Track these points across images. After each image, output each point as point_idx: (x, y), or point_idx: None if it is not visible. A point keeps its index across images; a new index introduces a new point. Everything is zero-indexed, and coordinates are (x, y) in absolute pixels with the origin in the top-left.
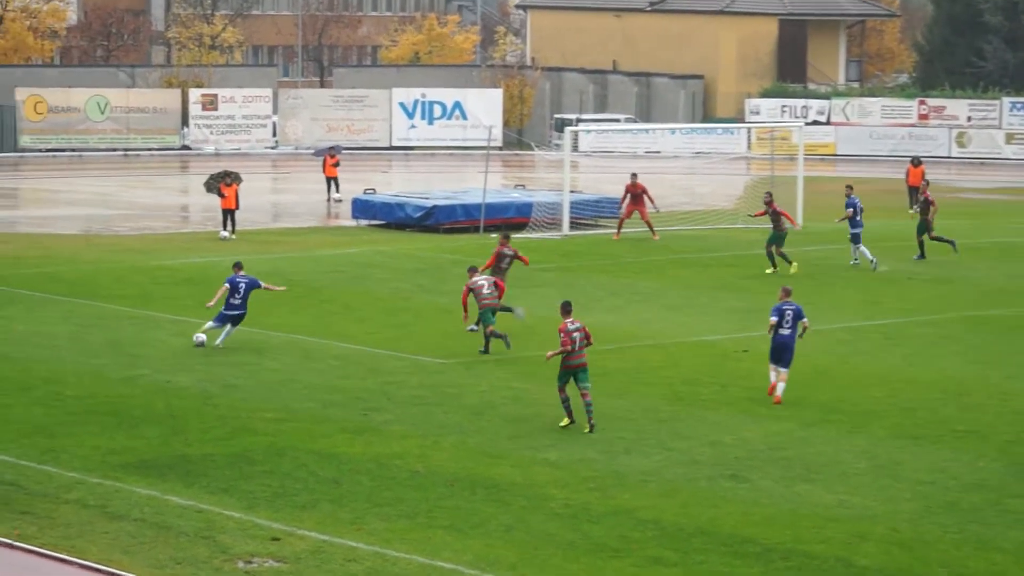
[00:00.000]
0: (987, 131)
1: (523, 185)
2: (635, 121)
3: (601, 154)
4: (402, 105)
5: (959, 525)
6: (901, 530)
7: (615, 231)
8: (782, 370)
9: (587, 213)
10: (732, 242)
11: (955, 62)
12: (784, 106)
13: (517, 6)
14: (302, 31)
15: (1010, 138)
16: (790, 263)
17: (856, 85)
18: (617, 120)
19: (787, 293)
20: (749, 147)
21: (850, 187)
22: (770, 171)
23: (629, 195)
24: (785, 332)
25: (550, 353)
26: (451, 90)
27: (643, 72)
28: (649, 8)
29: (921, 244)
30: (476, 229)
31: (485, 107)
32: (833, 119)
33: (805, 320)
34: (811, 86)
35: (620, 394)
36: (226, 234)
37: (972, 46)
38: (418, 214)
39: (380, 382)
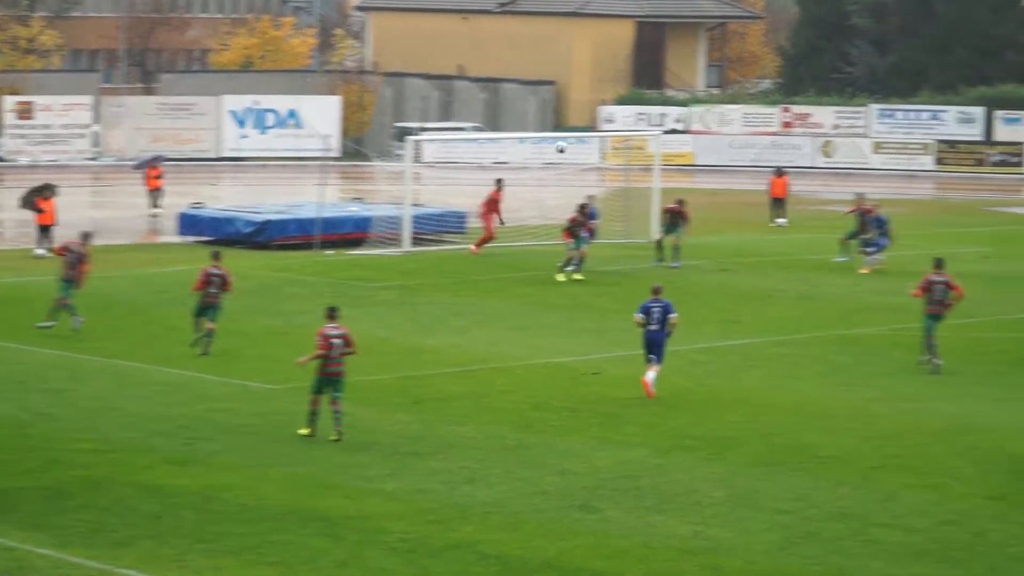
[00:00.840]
0: (853, 140)
1: (361, 198)
2: (482, 130)
3: (446, 165)
4: (233, 113)
5: (820, 556)
6: (759, 562)
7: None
8: (655, 364)
9: (430, 228)
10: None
11: (821, 67)
12: (640, 114)
13: (357, 8)
14: (126, 34)
15: (877, 147)
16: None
17: (717, 91)
18: (463, 129)
19: (656, 291)
20: (603, 157)
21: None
22: (625, 182)
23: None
24: (653, 328)
25: (303, 359)
26: (285, 97)
27: (491, 78)
28: (498, 10)
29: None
30: (311, 245)
31: (322, 115)
32: (692, 127)
33: (673, 316)
34: (669, 92)
35: (464, 420)
36: (41, 251)
37: (839, 50)
38: (249, 229)
39: (206, 409)
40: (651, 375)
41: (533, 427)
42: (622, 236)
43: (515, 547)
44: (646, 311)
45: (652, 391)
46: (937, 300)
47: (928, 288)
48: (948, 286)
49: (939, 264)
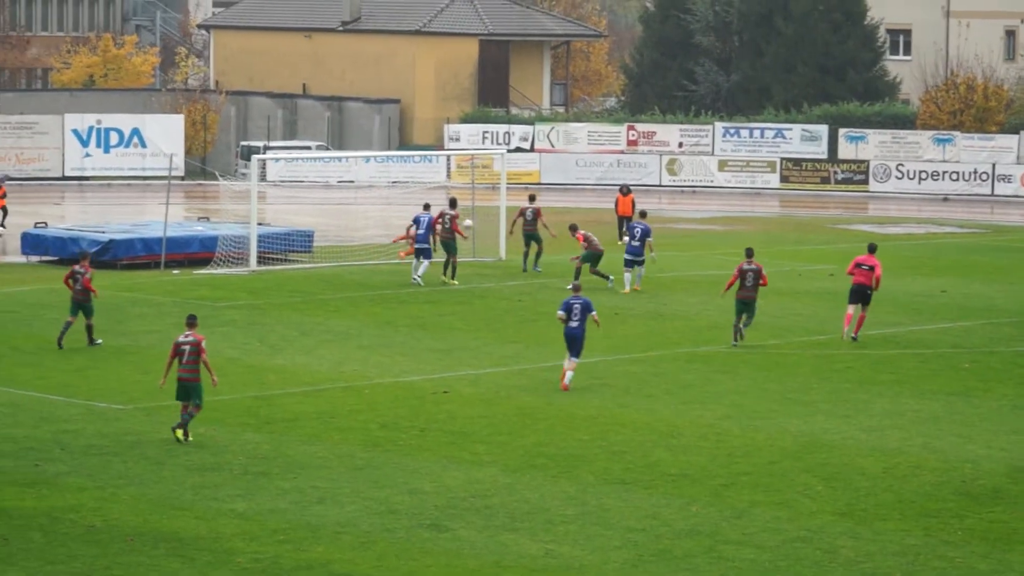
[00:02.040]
0: (699, 158)
1: (207, 217)
2: (327, 148)
3: (291, 184)
4: (75, 132)
5: (671, 574)
6: None
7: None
8: (573, 359)
9: (276, 247)
10: (431, 278)
11: (666, 85)
12: (486, 132)
13: (200, 26)
14: None
15: (723, 165)
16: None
17: (562, 110)
18: (308, 147)
19: (576, 288)
20: (449, 175)
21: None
22: (471, 201)
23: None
24: (573, 324)
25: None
26: (129, 116)
27: (336, 96)
28: (342, 28)
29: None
30: (157, 264)
31: (165, 134)
32: (537, 145)
33: (594, 313)
34: (514, 111)
35: (313, 440)
36: None
37: (683, 68)
38: (94, 249)
39: (54, 430)
40: (570, 374)
41: (382, 446)
42: (468, 254)
43: (367, 567)
44: (567, 308)
45: (567, 384)
46: (749, 287)
47: (741, 276)
48: (758, 274)
49: (750, 253)
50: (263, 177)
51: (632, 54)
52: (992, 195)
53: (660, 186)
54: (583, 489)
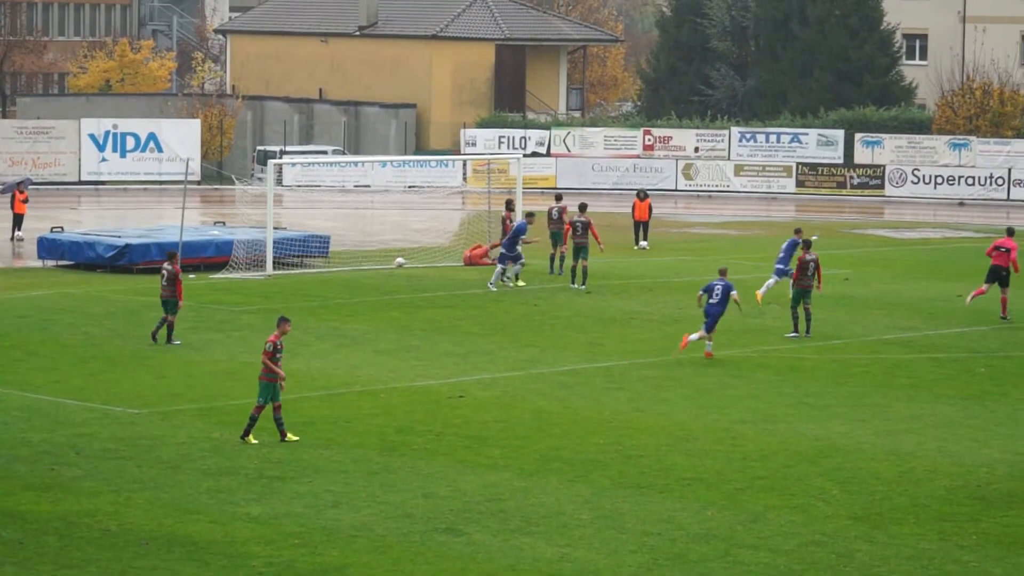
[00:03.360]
0: (715, 162)
1: (223, 222)
2: (343, 153)
3: (307, 188)
4: (92, 137)
5: None
6: None
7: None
8: (703, 330)
9: (292, 251)
10: (447, 282)
11: (682, 90)
12: (502, 136)
13: (216, 30)
14: None
15: (739, 169)
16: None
17: (578, 114)
18: (324, 152)
19: (722, 272)
20: (465, 180)
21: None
22: (487, 205)
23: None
24: (713, 302)
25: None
26: (145, 120)
27: (352, 101)
28: (358, 33)
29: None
30: None
31: (182, 138)
32: (553, 150)
33: (734, 294)
34: (530, 115)
35: (328, 444)
36: None
37: (700, 73)
38: (110, 254)
39: (69, 435)
40: (694, 336)
41: (398, 451)
42: (486, 259)
43: (382, 571)
44: (708, 289)
45: (685, 345)
46: (808, 275)
47: (802, 267)
48: (816, 264)
49: (807, 245)
50: (279, 181)
51: (648, 59)
52: (1008, 200)
53: (676, 191)
54: (598, 493)
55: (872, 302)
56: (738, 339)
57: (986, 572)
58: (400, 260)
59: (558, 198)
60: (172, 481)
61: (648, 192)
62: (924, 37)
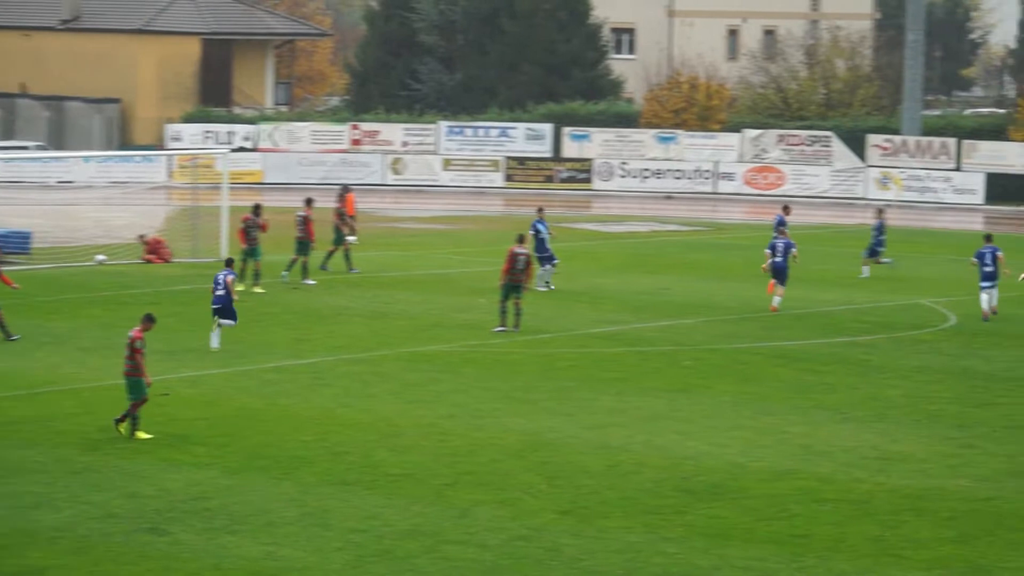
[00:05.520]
0: (423, 157)
1: None
2: (46, 149)
3: (8, 185)
4: None
5: (393, 574)
6: None
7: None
8: (780, 287)
9: None
10: (153, 278)
11: (390, 84)
12: (208, 132)
13: None
14: None
15: (447, 164)
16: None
17: (285, 109)
18: (26, 148)
19: (781, 223)
20: (170, 176)
21: (880, 210)
22: (192, 200)
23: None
24: (778, 260)
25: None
26: None
27: (55, 96)
28: (61, 27)
29: None
30: None
31: None
32: (261, 145)
33: (794, 250)
34: (237, 110)
35: (29, 444)
36: None
37: (407, 67)
38: None
39: None
40: (777, 299)
41: (101, 450)
42: (190, 255)
43: (83, 572)
44: (772, 247)
45: (776, 307)
46: (519, 270)
47: (513, 260)
48: (528, 259)
49: (520, 239)
50: None
51: (356, 53)
52: (714, 193)
53: (384, 185)
54: (304, 490)
55: (580, 296)
56: (446, 334)
57: (692, 564)
58: (100, 257)
59: (308, 202)
60: None
61: (352, 186)
62: (632, 31)
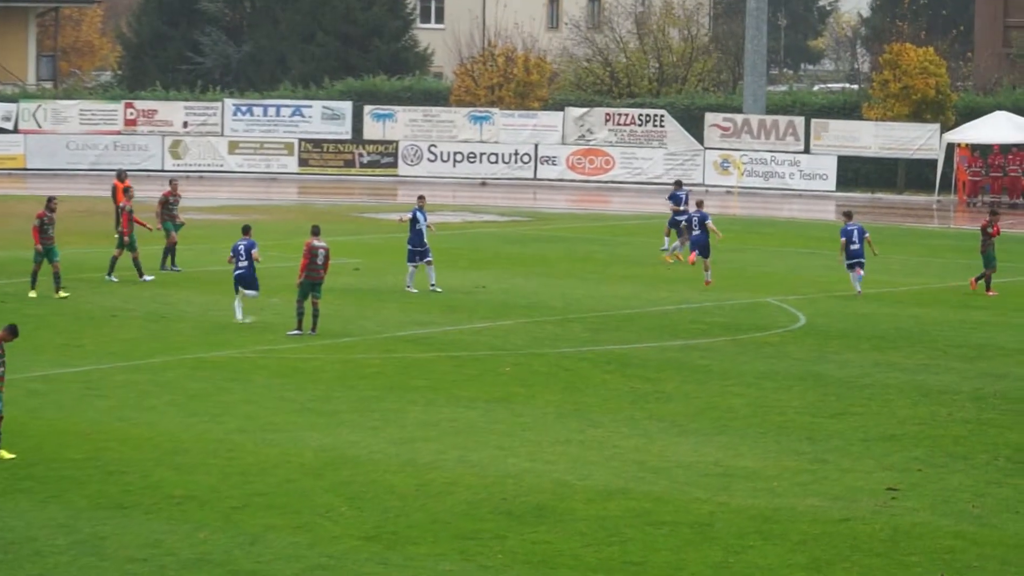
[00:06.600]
0: (207, 139)
1: None
2: None
3: None
4: None
5: None
6: None
7: None
8: (705, 259)
9: None
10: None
11: (168, 57)
12: None
13: None
14: None
15: (234, 147)
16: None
17: (50, 85)
18: None
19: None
20: None
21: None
22: None
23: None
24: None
25: None
26: None
27: None
28: None
29: None
30: None
31: None
32: (22, 126)
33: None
34: None
35: None
36: None
37: (188, 38)
38: None
39: None
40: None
41: None
42: None
43: None
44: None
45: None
46: (318, 266)
47: (311, 255)
48: (327, 252)
49: (316, 231)
50: None
51: (130, 22)
52: (535, 179)
53: (163, 171)
54: (75, 515)
55: (385, 295)
56: (234, 338)
57: None
58: None
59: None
60: None
61: (128, 172)
62: None
